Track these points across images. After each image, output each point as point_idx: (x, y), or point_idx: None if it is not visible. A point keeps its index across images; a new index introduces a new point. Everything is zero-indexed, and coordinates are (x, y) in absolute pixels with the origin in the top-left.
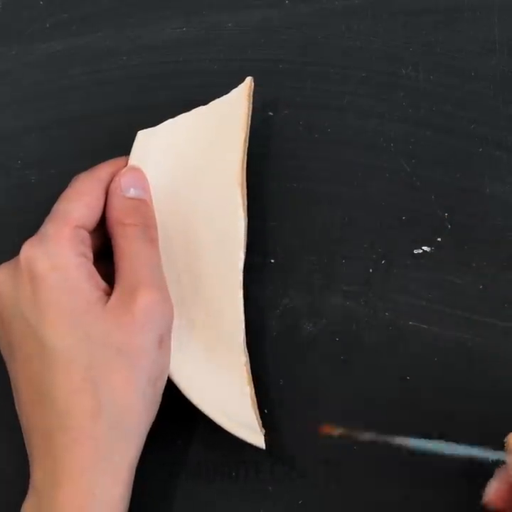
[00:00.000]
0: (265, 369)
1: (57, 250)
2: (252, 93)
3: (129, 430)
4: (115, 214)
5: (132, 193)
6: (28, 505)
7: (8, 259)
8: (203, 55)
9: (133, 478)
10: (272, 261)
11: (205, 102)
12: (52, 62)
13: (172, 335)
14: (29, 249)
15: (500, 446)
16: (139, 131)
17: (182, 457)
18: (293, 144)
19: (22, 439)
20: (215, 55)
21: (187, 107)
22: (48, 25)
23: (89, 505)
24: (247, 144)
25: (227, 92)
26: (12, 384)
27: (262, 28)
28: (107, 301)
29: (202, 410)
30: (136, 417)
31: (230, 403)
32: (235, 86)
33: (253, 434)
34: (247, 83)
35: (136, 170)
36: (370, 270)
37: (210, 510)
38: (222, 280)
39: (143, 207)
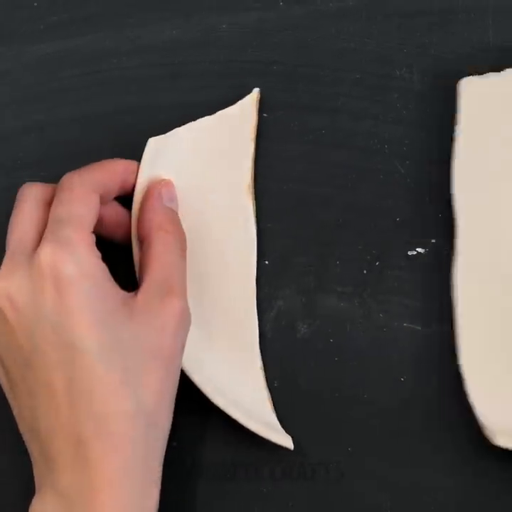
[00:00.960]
0: None
1: (84, 255)
2: (258, 104)
3: (160, 433)
4: (158, 220)
5: (169, 204)
6: (53, 510)
7: None
8: (199, 57)
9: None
10: (266, 262)
11: (202, 104)
12: (51, 63)
13: (191, 342)
14: (53, 255)
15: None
16: (150, 138)
17: (177, 458)
18: (287, 145)
19: None
20: (211, 56)
21: (185, 108)
22: (45, 26)
23: (128, 510)
24: (256, 154)
25: (223, 93)
26: (23, 393)
27: (256, 30)
28: (131, 304)
29: (229, 414)
30: (166, 419)
31: (253, 407)
32: (231, 87)
33: (280, 436)
34: (255, 95)
35: (172, 184)
36: (364, 272)
37: (205, 510)
38: (236, 288)
39: (178, 219)
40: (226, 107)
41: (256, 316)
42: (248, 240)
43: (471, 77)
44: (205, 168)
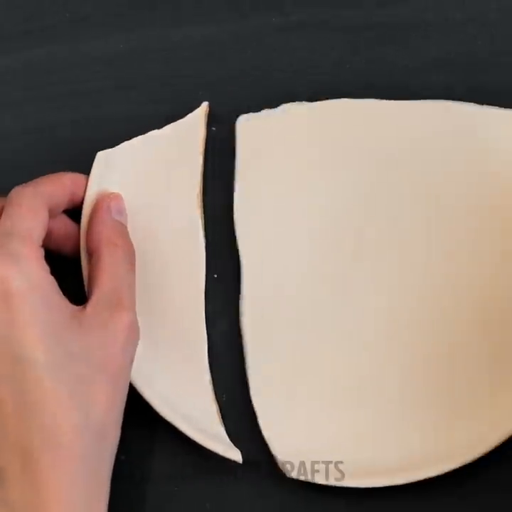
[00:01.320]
0: None
1: (32, 269)
2: (207, 118)
3: (110, 446)
4: (107, 234)
5: (118, 218)
6: None
7: None
8: (147, 71)
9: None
10: (215, 276)
11: (151, 117)
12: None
13: (140, 355)
14: (1, 269)
15: None
16: (98, 152)
17: (126, 471)
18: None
19: None
20: (159, 70)
21: (134, 122)
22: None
23: None
24: (204, 167)
25: (172, 107)
26: None
27: (205, 44)
28: (80, 317)
29: (177, 427)
30: (115, 433)
31: (201, 420)
32: (180, 101)
33: (229, 449)
34: (204, 108)
35: (120, 197)
36: None
37: None
38: (184, 302)
39: (127, 232)
40: (175, 120)
41: (205, 330)
42: (197, 253)
43: (247, 114)
44: (154, 181)
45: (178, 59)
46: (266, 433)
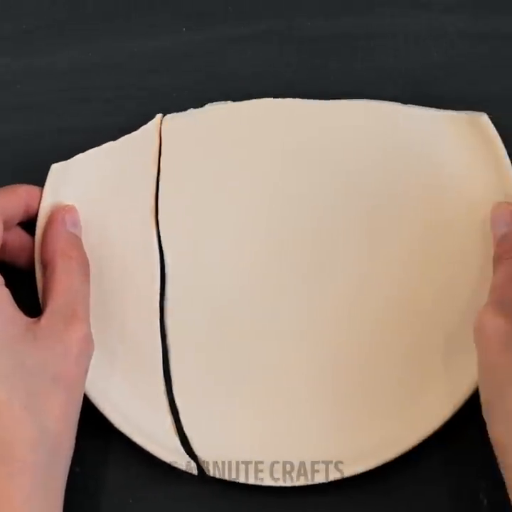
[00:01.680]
0: None
1: None
2: (160, 129)
3: (63, 457)
4: (61, 246)
5: (73, 230)
6: None
7: None
8: (101, 83)
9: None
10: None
11: (105, 129)
12: None
13: (95, 366)
14: None
15: None
16: (52, 164)
17: (80, 483)
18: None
19: None
20: (113, 82)
21: (88, 134)
22: None
23: None
24: (158, 178)
25: (126, 119)
26: None
27: (159, 56)
28: (34, 329)
29: (132, 439)
30: (69, 444)
31: (156, 432)
32: (134, 113)
33: (184, 461)
34: (158, 119)
35: (75, 209)
36: None
37: None
38: (139, 312)
39: (81, 244)
40: (129, 132)
41: (159, 341)
42: (152, 264)
43: (172, 114)
44: (109, 193)
45: (132, 71)
46: (188, 432)
